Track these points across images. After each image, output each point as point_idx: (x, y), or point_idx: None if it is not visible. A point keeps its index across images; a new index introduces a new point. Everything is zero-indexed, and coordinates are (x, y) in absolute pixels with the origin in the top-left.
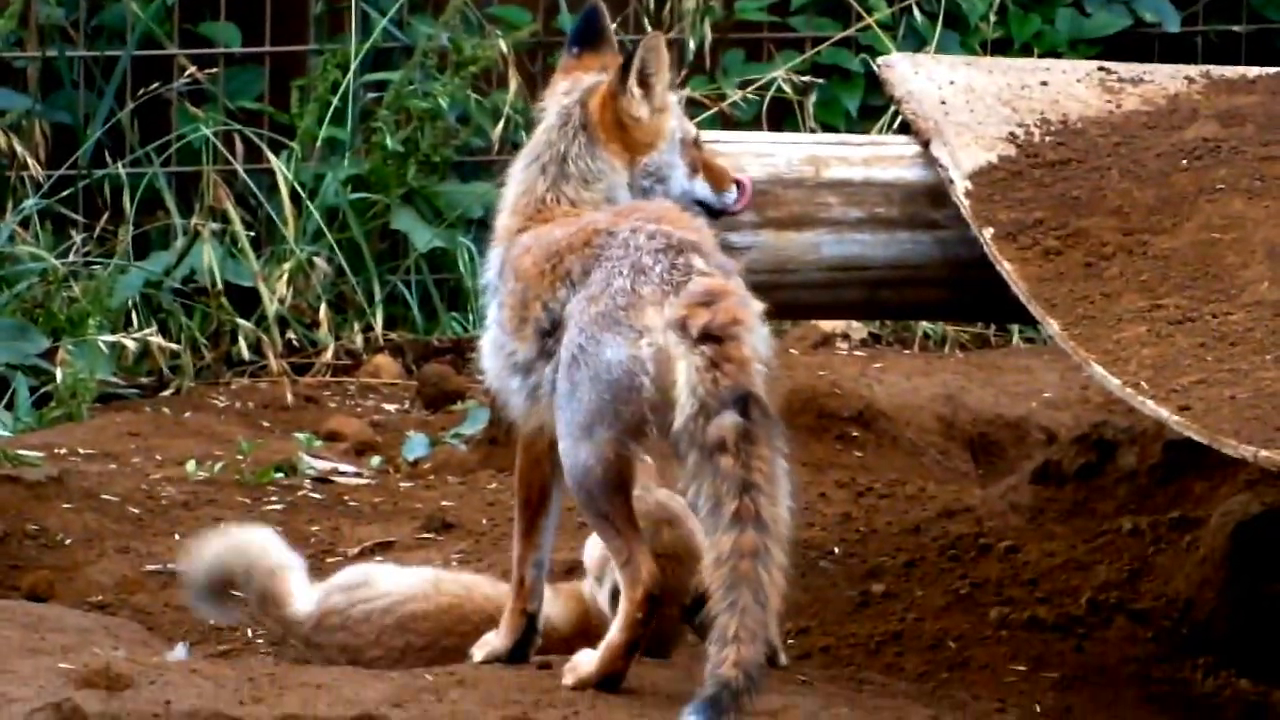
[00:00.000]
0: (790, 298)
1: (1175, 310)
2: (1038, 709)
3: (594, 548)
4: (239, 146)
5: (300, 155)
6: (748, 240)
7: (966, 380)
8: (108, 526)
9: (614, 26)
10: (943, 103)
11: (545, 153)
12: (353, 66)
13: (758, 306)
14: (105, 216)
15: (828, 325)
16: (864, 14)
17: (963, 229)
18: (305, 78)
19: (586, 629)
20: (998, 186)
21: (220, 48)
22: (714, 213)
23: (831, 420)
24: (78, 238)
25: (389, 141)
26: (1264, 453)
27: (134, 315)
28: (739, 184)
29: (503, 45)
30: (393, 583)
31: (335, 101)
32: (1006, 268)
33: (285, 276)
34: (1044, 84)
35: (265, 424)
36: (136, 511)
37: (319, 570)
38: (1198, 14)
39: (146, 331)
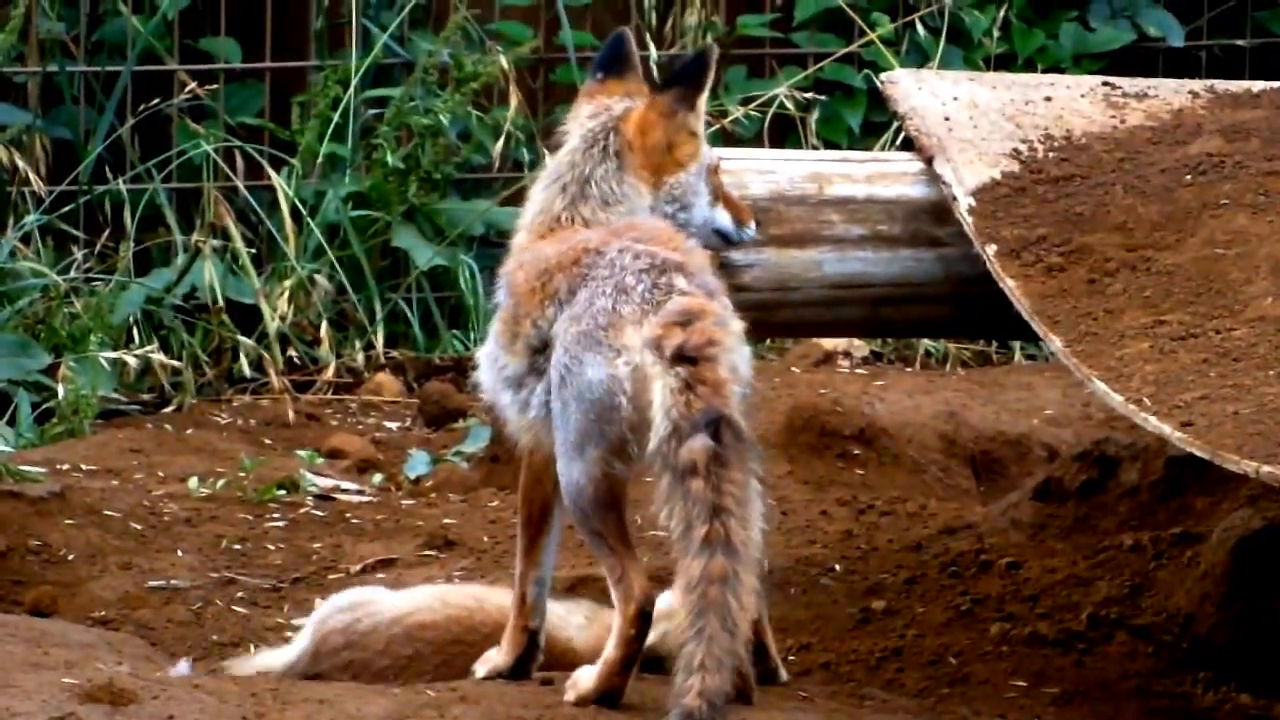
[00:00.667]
0: (792, 316)
1: (1178, 326)
2: None
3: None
4: (240, 163)
5: (301, 172)
6: (749, 258)
7: (968, 398)
8: (110, 542)
9: None
10: (946, 119)
11: (567, 174)
12: (353, 83)
13: (738, 326)
14: (106, 233)
15: (829, 343)
16: (867, 30)
17: (966, 246)
18: (306, 94)
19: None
20: (1001, 203)
21: (221, 63)
22: (731, 243)
23: (833, 438)
24: (79, 254)
25: (390, 158)
26: (1266, 468)
27: (135, 332)
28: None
29: (504, 61)
30: (396, 597)
31: (336, 118)
32: (1009, 284)
33: (286, 294)
34: (1048, 99)
35: (267, 441)
36: (139, 528)
37: (321, 587)
38: (1202, 28)
39: (148, 348)
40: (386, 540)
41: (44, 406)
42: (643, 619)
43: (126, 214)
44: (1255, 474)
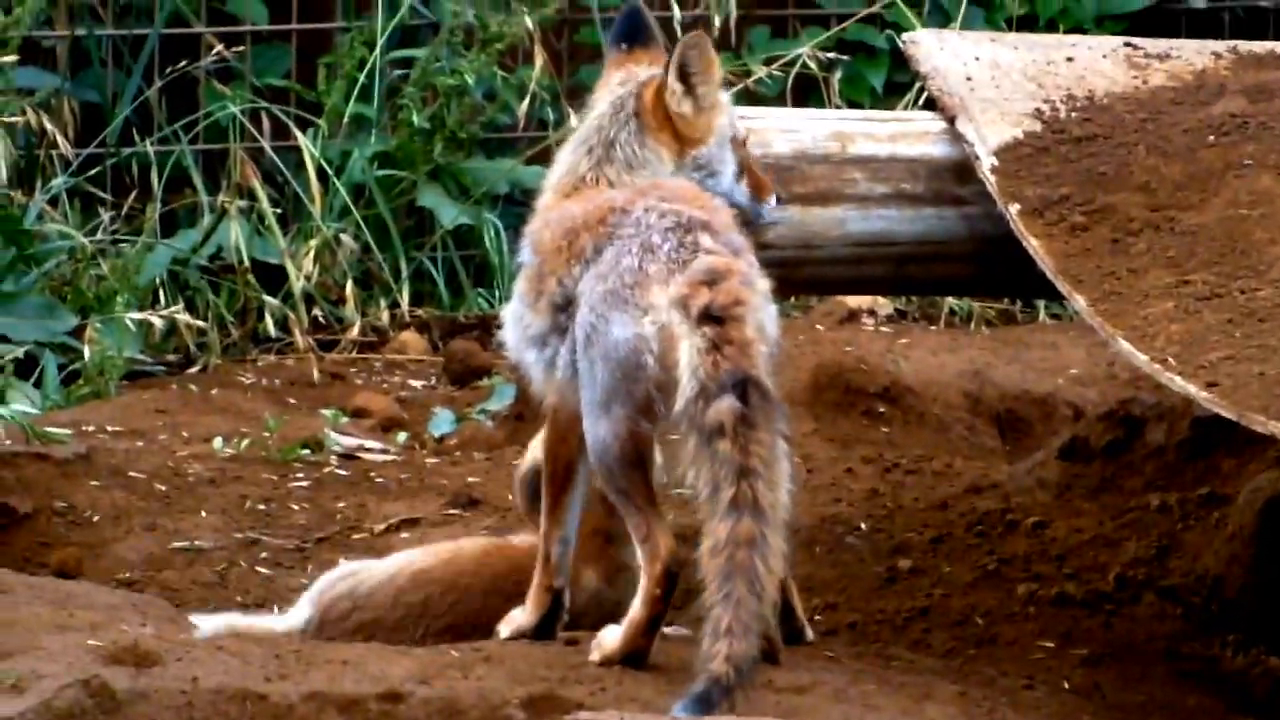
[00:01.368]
0: (816, 273)
1: (1203, 286)
2: (1066, 685)
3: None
4: (266, 124)
5: (327, 132)
6: (773, 215)
7: (993, 356)
8: (135, 504)
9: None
10: (968, 79)
11: (594, 137)
12: (379, 43)
13: (764, 285)
14: (133, 194)
15: (854, 301)
16: None
17: (988, 205)
18: (332, 55)
19: None
20: (1024, 163)
21: (247, 25)
22: (747, 221)
23: (858, 396)
24: (105, 216)
25: (415, 118)
26: None
27: (161, 293)
28: (778, 196)
29: (529, 22)
30: (386, 560)
31: (362, 79)
32: (1033, 244)
33: (312, 253)
34: (1070, 60)
35: (292, 401)
36: (164, 489)
37: (345, 545)
38: None
39: (173, 309)
40: (411, 499)
41: (70, 368)
42: (669, 579)
43: (153, 175)
44: None
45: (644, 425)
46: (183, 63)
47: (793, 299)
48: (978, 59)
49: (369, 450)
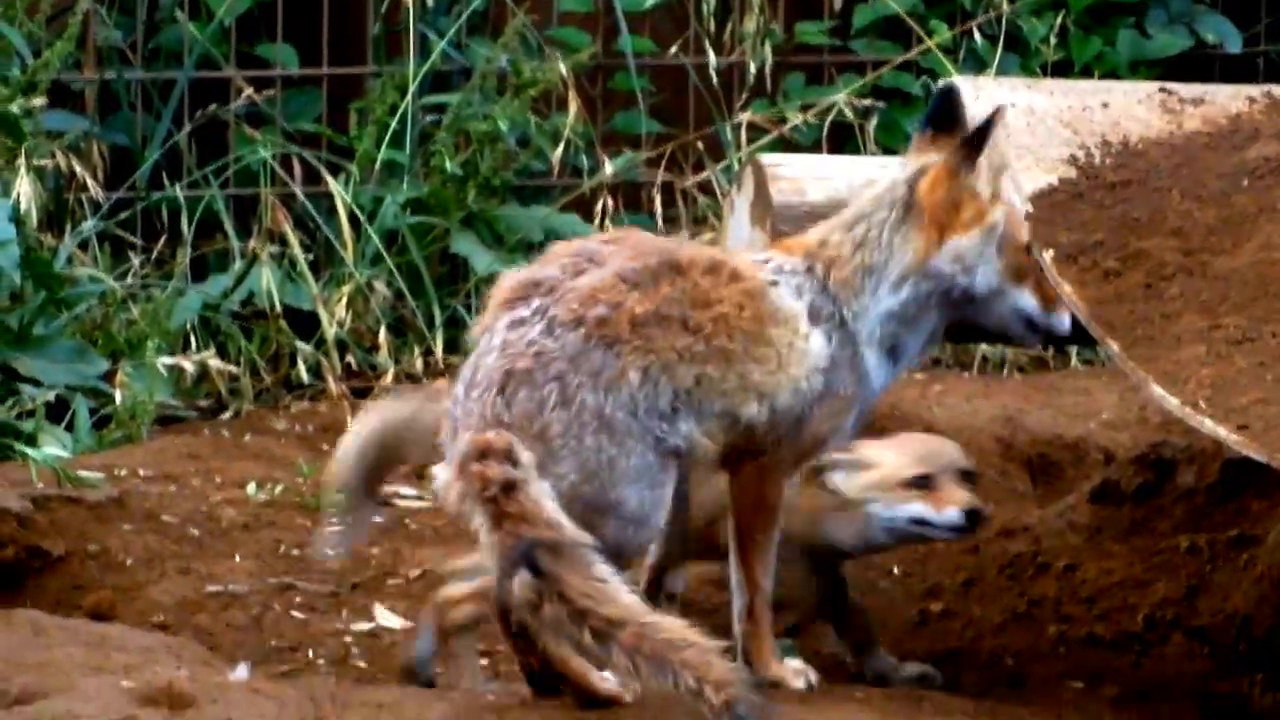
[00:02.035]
0: None
1: (1235, 330)
2: None
3: None
4: (297, 169)
5: (359, 178)
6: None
7: (1025, 402)
8: (168, 548)
9: (674, 49)
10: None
11: (854, 211)
12: (411, 88)
13: (528, 458)
14: (163, 239)
15: None
16: (925, 37)
17: None
18: (363, 100)
19: None
20: (1058, 209)
21: (278, 69)
22: (1037, 331)
23: None
24: (136, 260)
25: (448, 164)
26: None
27: (192, 338)
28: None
29: (562, 68)
30: None
31: (394, 124)
32: (1066, 289)
33: (344, 300)
34: (1105, 105)
35: (325, 447)
36: (197, 533)
37: (378, 593)
38: (1259, 34)
39: (205, 354)
40: (445, 546)
41: (101, 412)
42: None
43: (184, 220)
44: None
45: None
46: (212, 106)
47: None
48: (1013, 105)
49: (403, 497)
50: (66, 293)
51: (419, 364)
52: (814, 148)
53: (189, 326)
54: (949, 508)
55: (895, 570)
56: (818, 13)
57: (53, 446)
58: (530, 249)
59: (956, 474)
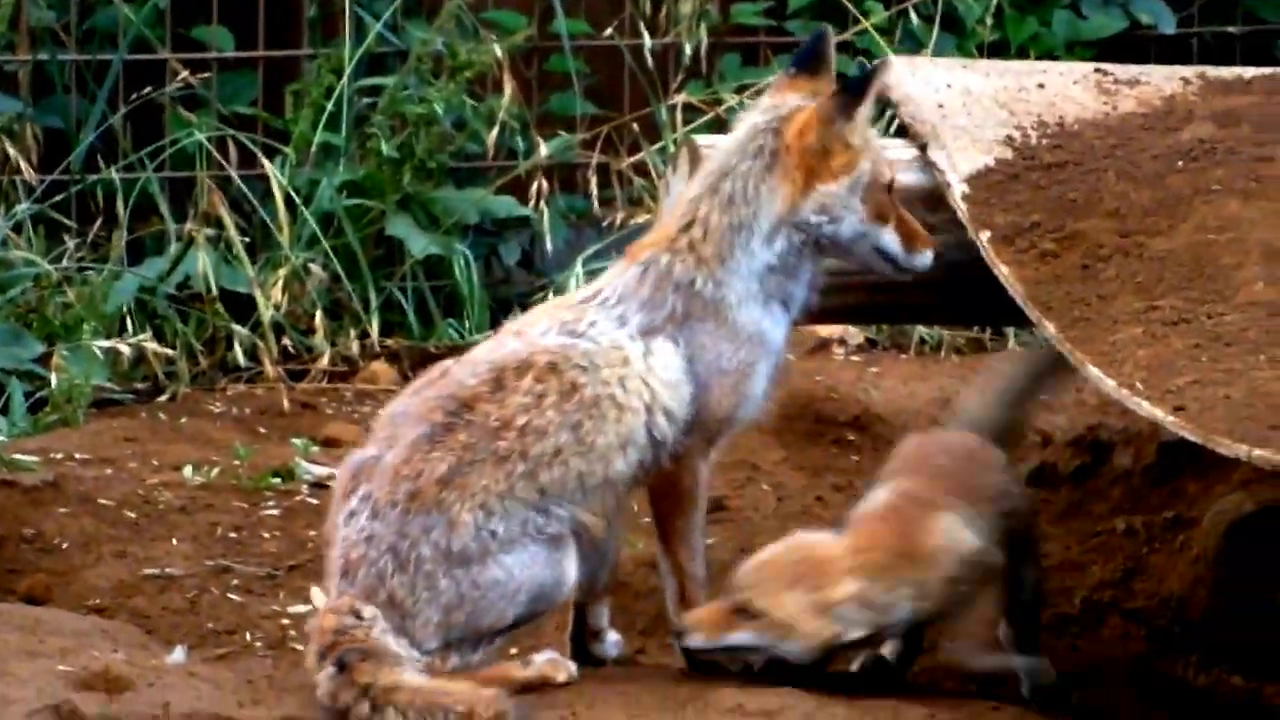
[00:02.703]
0: None
1: (1171, 311)
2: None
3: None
4: (233, 152)
5: (294, 161)
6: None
7: (963, 383)
8: (104, 531)
9: (609, 31)
10: (940, 106)
11: (714, 167)
12: (347, 71)
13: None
14: (99, 222)
15: (824, 330)
16: (860, 17)
17: (959, 233)
18: (299, 82)
19: None
20: (995, 190)
21: (213, 52)
22: (899, 268)
23: (828, 425)
24: (71, 243)
25: (384, 147)
26: (1258, 451)
27: (129, 321)
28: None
29: (498, 50)
30: None
31: (330, 106)
32: (1003, 271)
33: (281, 282)
34: (1041, 86)
35: (262, 430)
36: (133, 516)
37: (317, 573)
38: (1193, 16)
39: (141, 337)
40: None
41: (37, 395)
42: None
43: (119, 203)
44: (1247, 457)
45: None
46: (148, 89)
47: None
48: (949, 86)
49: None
50: (1, 276)
51: (355, 347)
52: None
53: (125, 309)
54: None
55: None
56: None
57: None
58: (466, 231)
59: None
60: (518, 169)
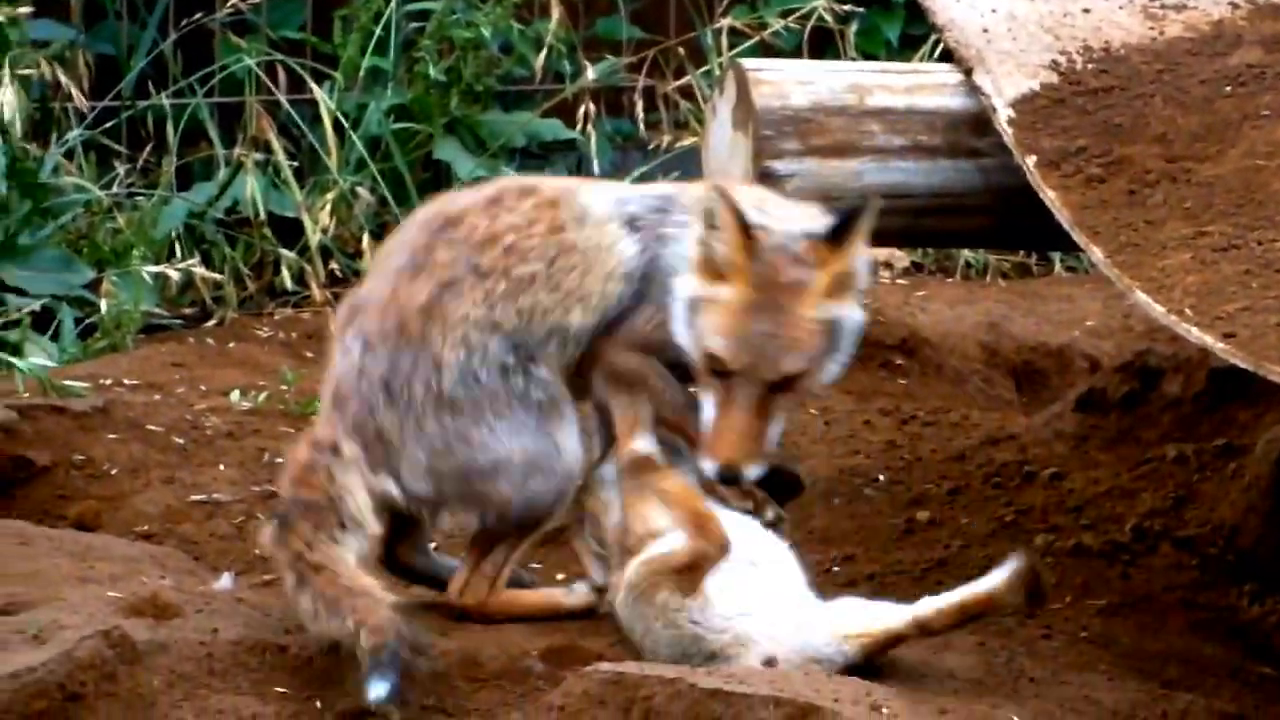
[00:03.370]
0: None
1: (1220, 237)
2: (1083, 635)
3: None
4: (282, 77)
5: (343, 85)
6: (791, 168)
7: (1009, 308)
8: (153, 457)
9: None
10: (985, 30)
11: None
12: None
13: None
14: (149, 148)
15: (870, 253)
16: None
17: (1005, 157)
18: (348, 7)
19: None
20: (1040, 114)
21: None
22: None
23: (876, 348)
24: (121, 169)
25: (432, 71)
26: None
27: (177, 246)
28: None
29: None
30: None
31: (378, 31)
32: (1050, 195)
33: (329, 206)
34: (1086, 11)
35: (309, 354)
36: (181, 442)
37: None
38: None
39: (190, 262)
40: None
41: (87, 321)
42: None
43: (169, 129)
44: None
45: None
46: (198, 15)
47: None
48: (994, 11)
49: None
50: (52, 202)
51: None
52: (794, 53)
53: (174, 235)
54: None
55: (880, 478)
56: None
57: (38, 356)
58: (513, 154)
59: None
60: (564, 92)
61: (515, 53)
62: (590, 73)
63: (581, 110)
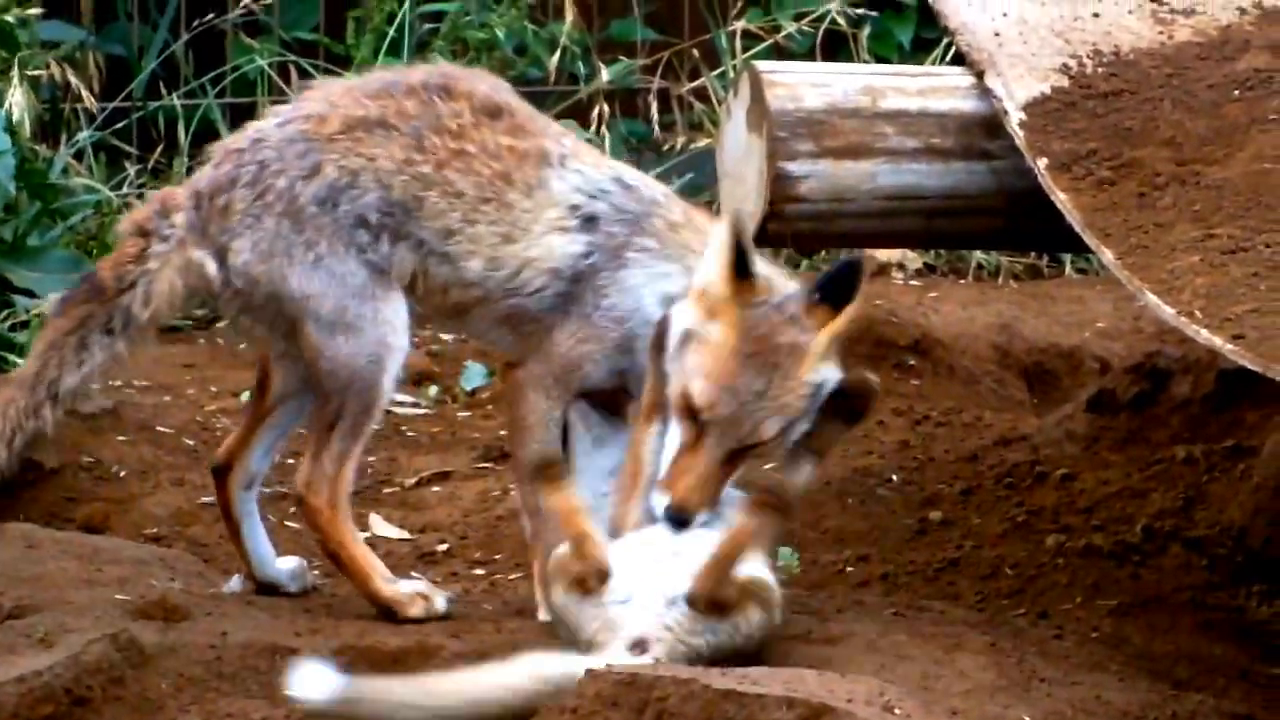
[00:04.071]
0: (848, 226)
1: (1228, 240)
2: (1094, 635)
3: None
4: (294, 77)
5: None
6: (805, 169)
7: (1021, 310)
8: (162, 459)
9: None
10: (996, 34)
11: None
12: None
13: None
14: (160, 148)
15: (883, 255)
16: None
17: (1017, 159)
18: (361, 8)
19: None
20: (1051, 117)
21: None
22: None
23: (889, 349)
24: (131, 170)
25: None
26: None
27: None
28: None
29: None
30: None
31: (391, 32)
32: (1061, 198)
33: None
34: (1096, 15)
35: None
36: (191, 443)
37: (375, 501)
38: None
39: None
40: (442, 453)
41: None
42: None
43: (180, 129)
44: None
45: None
46: (210, 15)
47: (823, 253)
48: (1005, 14)
49: (400, 404)
50: (61, 203)
51: None
52: (807, 56)
53: None
54: None
55: (894, 478)
56: None
57: None
58: None
59: None
60: (578, 94)
61: (529, 54)
62: (604, 74)
63: (596, 111)
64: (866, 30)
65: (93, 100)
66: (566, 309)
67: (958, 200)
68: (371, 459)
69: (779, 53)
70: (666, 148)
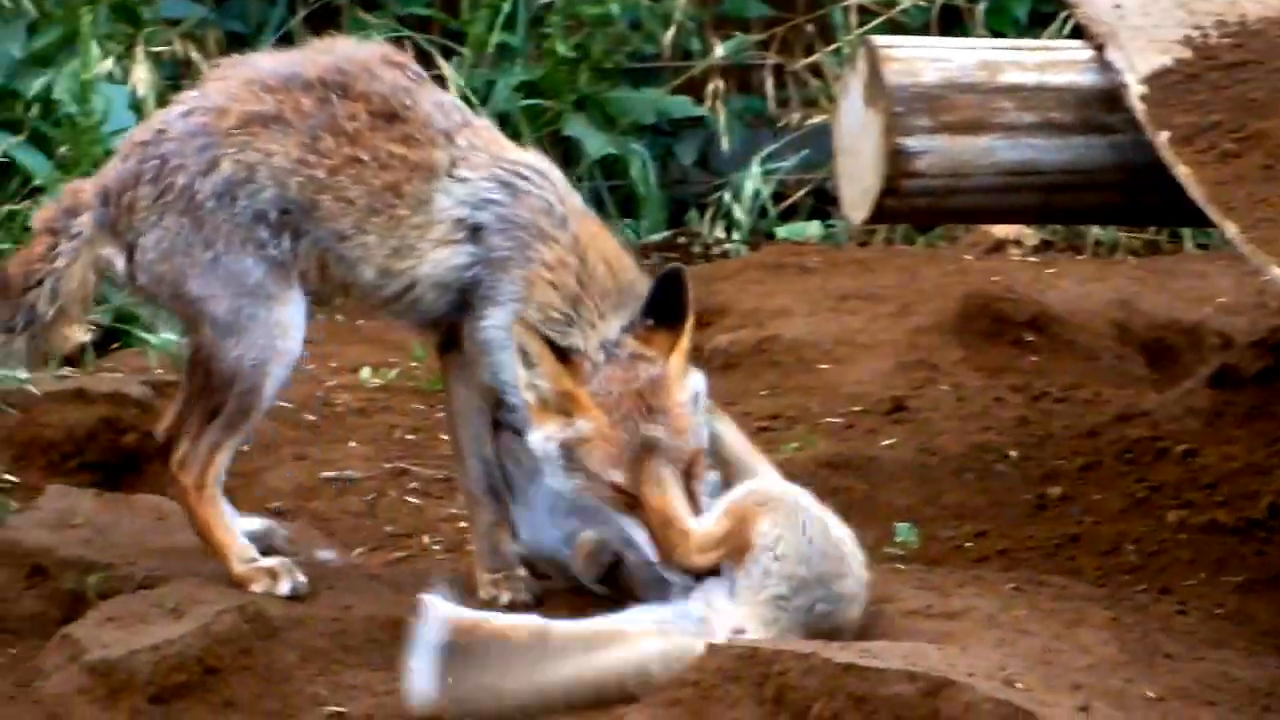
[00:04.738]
0: (965, 202)
1: None
2: (1218, 612)
3: None
4: (410, 52)
5: (471, 61)
6: (922, 144)
7: (1140, 285)
8: (285, 434)
9: None
10: (1117, 6)
11: None
12: None
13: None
14: None
15: (1000, 231)
16: None
17: (1137, 133)
18: None
19: None
20: (1173, 90)
21: None
22: None
23: (1006, 325)
24: None
25: (560, 48)
26: None
27: None
28: None
29: None
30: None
31: (506, 7)
32: (1183, 171)
33: None
34: None
35: None
36: (312, 418)
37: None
38: None
39: None
40: None
41: None
42: None
43: None
44: None
45: None
46: None
47: (940, 229)
48: None
49: None
50: None
51: None
52: (923, 30)
53: None
54: None
55: (1012, 454)
56: None
57: (171, 332)
58: (642, 131)
59: None
60: (693, 70)
61: (644, 29)
62: (719, 50)
63: (710, 87)
64: (982, 4)
65: None
66: (460, 312)
67: (1076, 175)
68: None
69: (894, 27)
70: (781, 124)
